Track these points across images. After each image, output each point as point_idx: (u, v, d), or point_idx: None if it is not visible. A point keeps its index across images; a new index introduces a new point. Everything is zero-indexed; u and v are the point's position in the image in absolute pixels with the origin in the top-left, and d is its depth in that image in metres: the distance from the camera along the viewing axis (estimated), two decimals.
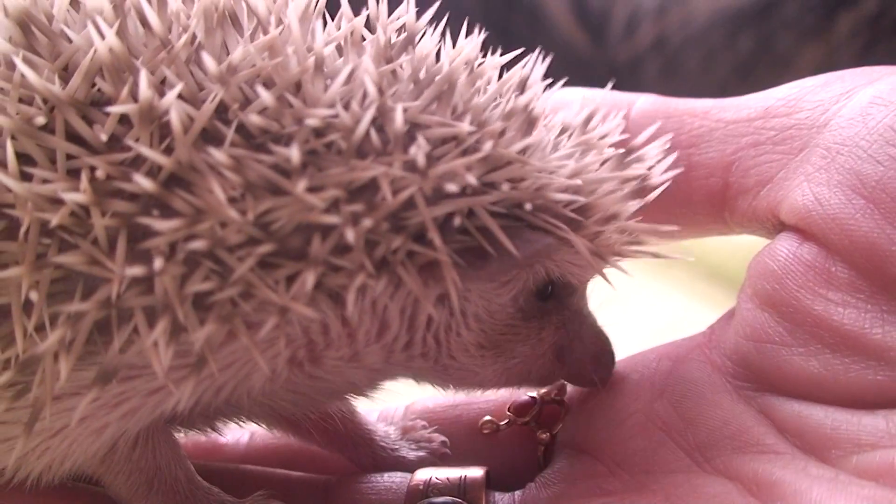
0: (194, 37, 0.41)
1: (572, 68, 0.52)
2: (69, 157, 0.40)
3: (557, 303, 0.49)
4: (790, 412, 0.47)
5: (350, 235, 0.39)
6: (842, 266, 0.46)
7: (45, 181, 0.39)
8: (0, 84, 0.41)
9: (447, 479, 0.52)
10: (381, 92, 0.41)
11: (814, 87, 0.51)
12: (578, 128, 0.47)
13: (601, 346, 0.52)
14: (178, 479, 0.48)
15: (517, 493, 0.52)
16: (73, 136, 0.40)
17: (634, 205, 0.47)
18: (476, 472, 0.53)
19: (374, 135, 0.40)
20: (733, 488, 0.45)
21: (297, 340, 0.43)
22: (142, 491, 0.48)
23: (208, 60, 0.40)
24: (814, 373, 0.46)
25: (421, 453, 0.56)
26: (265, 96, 0.39)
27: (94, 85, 0.41)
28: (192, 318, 0.39)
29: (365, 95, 0.41)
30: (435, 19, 0.45)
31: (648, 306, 0.69)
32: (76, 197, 0.39)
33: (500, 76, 0.46)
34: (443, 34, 0.45)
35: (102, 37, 0.40)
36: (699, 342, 0.52)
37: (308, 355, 0.44)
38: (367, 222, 0.39)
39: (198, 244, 0.38)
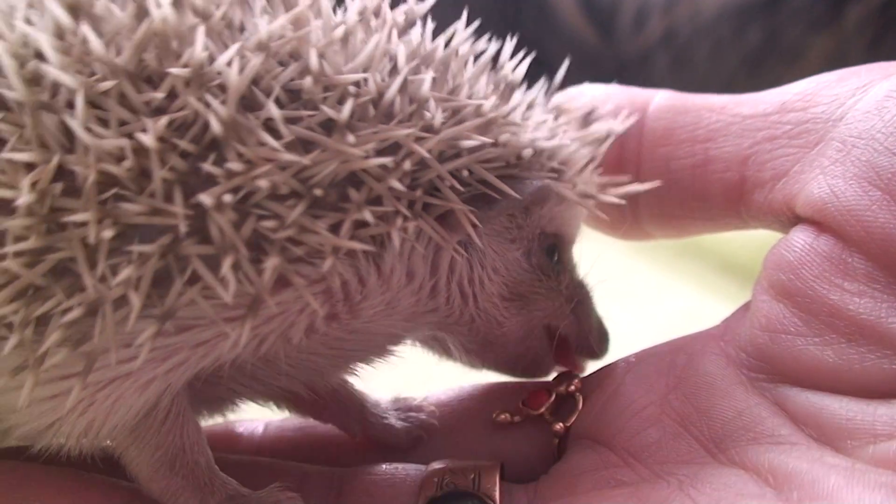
0: (225, 13, 0.44)
1: (581, 64, 0.53)
2: (121, 124, 0.42)
3: (564, 268, 0.55)
4: (805, 403, 0.47)
5: (393, 182, 0.44)
6: (858, 257, 0.46)
7: (100, 136, 0.41)
8: (61, 56, 0.42)
9: (461, 471, 0.52)
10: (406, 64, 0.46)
11: (829, 81, 0.51)
12: (549, 95, 0.54)
13: (598, 316, 0.58)
14: (198, 465, 0.49)
15: (531, 484, 0.52)
16: (125, 106, 0.42)
17: (599, 154, 0.54)
18: (490, 465, 0.53)
19: (397, 102, 0.45)
20: (749, 479, 0.45)
21: (337, 294, 0.47)
22: (164, 470, 0.49)
23: (262, 26, 0.44)
24: (829, 363, 0.46)
25: (408, 424, 0.57)
26: (313, 61, 0.43)
27: (141, 59, 0.43)
28: (252, 256, 0.42)
29: (384, 68, 0.46)
30: (435, 6, 0.50)
31: (661, 299, 0.68)
32: (146, 139, 0.41)
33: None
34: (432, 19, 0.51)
35: (159, 6, 0.43)
36: (714, 335, 0.53)
37: (347, 308, 0.47)
38: (400, 171, 0.45)
39: (259, 183, 0.41)
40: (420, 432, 0.57)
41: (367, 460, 0.56)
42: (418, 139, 0.45)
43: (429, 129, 0.46)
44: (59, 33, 0.43)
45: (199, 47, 0.42)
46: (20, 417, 0.46)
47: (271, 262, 0.42)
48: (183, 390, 0.48)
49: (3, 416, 0.47)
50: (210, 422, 0.57)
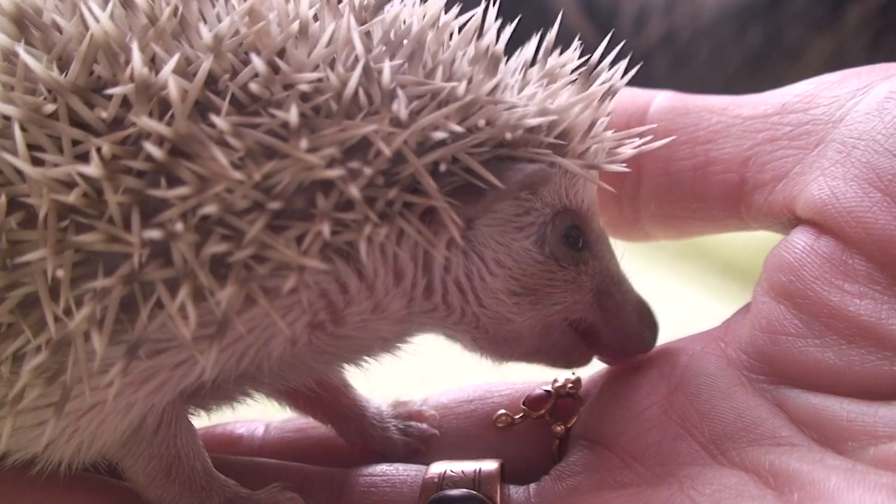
0: (176, 9, 0.42)
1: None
2: (75, 143, 0.41)
3: (591, 254, 0.50)
4: (805, 404, 0.47)
5: (353, 189, 0.41)
6: (858, 259, 0.46)
7: (55, 165, 0.40)
8: (3, 77, 0.42)
9: (462, 471, 0.52)
10: (368, 52, 0.43)
11: (830, 83, 0.51)
12: (539, 62, 0.49)
13: (642, 302, 0.53)
14: (195, 469, 0.49)
15: (532, 485, 0.52)
16: (76, 122, 0.41)
17: (604, 111, 0.49)
18: (491, 465, 0.53)
19: (361, 94, 0.42)
20: (749, 480, 0.45)
21: (316, 304, 0.44)
22: (160, 479, 0.48)
23: (204, 31, 0.41)
24: (829, 364, 0.46)
25: (408, 439, 0.57)
26: (258, 64, 0.41)
27: (92, 71, 0.42)
28: (212, 282, 0.40)
29: (348, 57, 0.43)
30: None
31: (661, 302, 0.68)
32: (90, 170, 0.39)
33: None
34: None
35: (97, 20, 0.41)
36: (714, 336, 0.53)
37: (330, 317, 0.45)
38: (364, 177, 0.41)
39: (209, 209, 0.39)
40: (419, 445, 0.57)
41: (368, 461, 0.56)
42: (388, 134, 0.41)
43: (397, 121, 0.42)
44: (2, 54, 0.42)
45: (138, 61, 0.40)
46: (10, 445, 0.46)
47: (229, 287, 0.40)
48: (175, 399, 0.47)
49: None
50: (214, 420, 0.57)
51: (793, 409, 0.47)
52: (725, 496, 0.45)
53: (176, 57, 0.40)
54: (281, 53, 0.42)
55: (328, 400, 0.57)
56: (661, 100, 0.56)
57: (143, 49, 0.41)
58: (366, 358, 0.52)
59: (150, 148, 0.39)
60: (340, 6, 0.45)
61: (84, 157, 0.40)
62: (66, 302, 0.41)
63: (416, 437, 0.57)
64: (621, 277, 0.52)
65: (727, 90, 0.57)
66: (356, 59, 0.42)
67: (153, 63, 0.41)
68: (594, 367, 0.57)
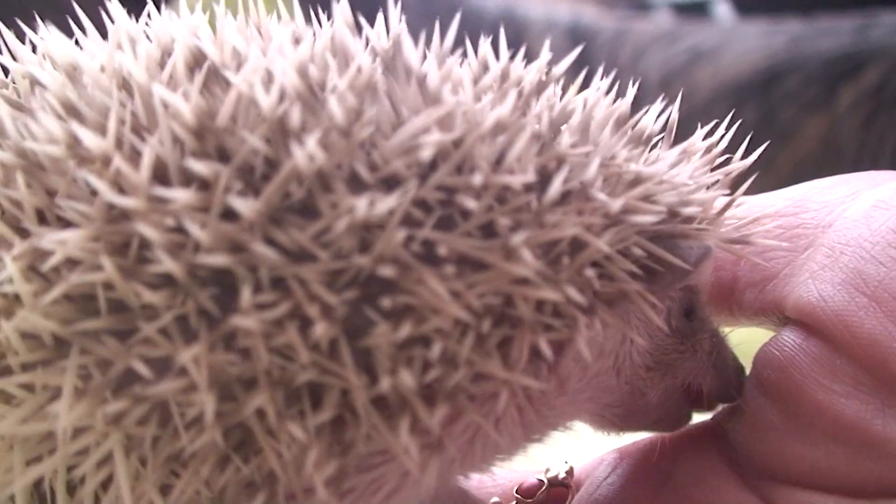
0: (358, 111, 0.39)
1: None
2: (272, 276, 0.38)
3: (702, 322, 0.51)
4: (793, 500, 0.47)
5: (556, 294, 0.40)
6: (845, 360, 0.47)
7: (261, 306, 0.38)
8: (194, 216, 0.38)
9: None
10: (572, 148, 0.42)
11: (820, 188, 0.52)
12: (666, 138, 0.49)
13: (734, 358, 0.53)
14: None
15: None
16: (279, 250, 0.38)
17: (734, 188, 0.49)
18: None
19: (559, 191, 0.41)
20: None
21: (520, 400, 0.43)
22: None
23: (406, 135, 0.39)
24: (816, 461, 0.47)
25: None
26: (477, 179, 0.39)
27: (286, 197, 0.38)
28: (425, 410, 0.39)
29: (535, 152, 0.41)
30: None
31: None
32: (320, 328, 0.37)
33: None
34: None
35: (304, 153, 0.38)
36: (705, 429, 0.53)
37: (528, 405, 0.44)
38: (568, 277, 0.40)
39: (435, 348, 0.38)
40: None
41: None
42: (596, 227, 0.41)
43: (606, 213, 0.41)
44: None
45: (358, 200, 0.37)
46: None
47: (441, 407, 0.39)
48: None
49: None
50: None
51: None
52: None
53: (395, 197, 0.38)
54: (483, 161, 0.40)
55: None
56: None
57: (348, 181, 0.38)
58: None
59: (386, 270, 0.37)
60: (505, 87, 0.43)
61: (284, 287, 0.37)
62: (278, 435, 0.39)
63: None
64: (721, 335, 0.53)
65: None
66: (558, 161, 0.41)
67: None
68: (586, 456, 0.57)
